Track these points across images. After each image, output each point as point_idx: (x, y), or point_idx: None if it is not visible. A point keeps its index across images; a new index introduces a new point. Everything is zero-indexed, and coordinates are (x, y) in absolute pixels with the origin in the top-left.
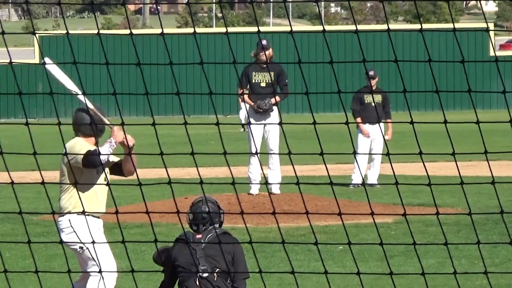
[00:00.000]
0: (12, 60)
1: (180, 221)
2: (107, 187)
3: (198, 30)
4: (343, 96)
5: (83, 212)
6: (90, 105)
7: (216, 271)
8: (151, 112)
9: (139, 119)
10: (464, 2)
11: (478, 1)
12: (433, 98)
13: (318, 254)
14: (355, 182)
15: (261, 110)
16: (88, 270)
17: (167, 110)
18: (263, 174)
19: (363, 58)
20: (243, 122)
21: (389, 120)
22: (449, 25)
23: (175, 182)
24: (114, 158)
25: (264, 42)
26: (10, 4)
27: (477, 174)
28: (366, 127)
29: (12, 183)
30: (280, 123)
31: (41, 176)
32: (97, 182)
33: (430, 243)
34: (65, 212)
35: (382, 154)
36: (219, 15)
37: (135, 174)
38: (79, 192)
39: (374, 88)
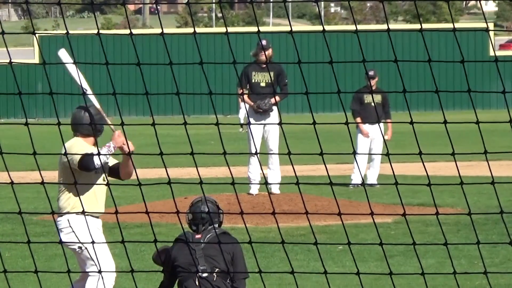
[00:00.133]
0: (12, 60)
1: (180, 221)
2: (106, 187)
3: (198, 30)
4: (343, 96)
5: (82, 212)
6: (97, 104)
7: (216, 271)
8: (151, 112)
9: (139, 119)
10: (464, 2)
11: (478, 1)
12: (433, 98)
13: (318, 254)
14: (354, 182)
15: (261, 110)
16: (87, 270)
17: (167, 110)
18: (263, 174)
19: (363, 58)
20: (242, 122)
21: (389, 120)
22: (449, 25)
23: (175, 182)
24: (112, 161)
25: (264, 42)
26: (10, 4)
27: (477, 174)
28: (365, 127)
29: (12, 183)
30: (280, 123)
31: (41, 176)
32: (96, 182)
33: (430, 243)
34: (64, 212)
35: (382, 154)
36: (219, 15)
37: (134, 174)
38: (78, 192)
39: (374, 88)
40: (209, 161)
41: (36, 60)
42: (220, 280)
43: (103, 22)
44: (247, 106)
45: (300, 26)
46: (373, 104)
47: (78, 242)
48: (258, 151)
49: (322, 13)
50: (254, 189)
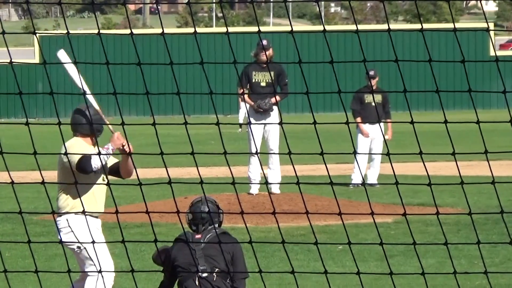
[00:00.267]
0: (12, 60)
1: (180, 221)
2: (105, 187)
3: (199, 30)
4: (343, 96)
5: (82, 212)
6: (96, 105)
7: (216, 271)
8: (151, 111)
9: (139, 118)
10: (464, 1)
11: (478, 1)
12: (433, 98)
13: (318, 254)
14: (355, 182)
15: (261, 110)
16: (86, 270)
17: (167, 109)
18: (263, 174)
19: (364, 58)
20: (241, 122)
21: (389, 120)
22: (449, 25)
23: (175, 182)
24: (112, 161)
25: (264, 42)
26: (10, 4)
27: (477, 174)
28: (366, 127)
29: (12, 183)
30: (280, 123)
31: (41, 176)
32: (96, 182)
33: (430, 243)
34: (63, 212)
35: (382, 154)
36: (219, 15)
37: (135, 174)
38: (77, 192)
39: (374, 88)
40: (210, 161)
41: (36, 60)
42: (220, 280)
43: (104, 22)
44: (248, 105)
45: (300, 26)
46: (373, 104)
47: (77, 242)
48: (258, 151)
49: (323, 13)
50: (254, 189)
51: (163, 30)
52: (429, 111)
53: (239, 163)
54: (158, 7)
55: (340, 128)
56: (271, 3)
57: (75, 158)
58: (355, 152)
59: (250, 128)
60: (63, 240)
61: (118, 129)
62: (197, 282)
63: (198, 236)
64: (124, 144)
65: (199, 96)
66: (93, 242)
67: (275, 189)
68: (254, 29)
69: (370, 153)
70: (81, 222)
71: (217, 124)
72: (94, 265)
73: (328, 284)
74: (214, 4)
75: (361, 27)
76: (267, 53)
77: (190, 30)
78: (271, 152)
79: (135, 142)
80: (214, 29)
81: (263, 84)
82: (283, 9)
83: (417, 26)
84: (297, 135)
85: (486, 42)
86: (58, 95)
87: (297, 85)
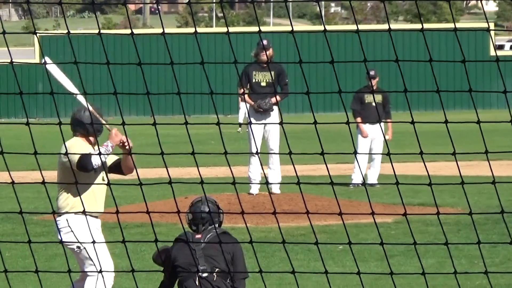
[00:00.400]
0: (13, 60)
1: (181, 220)
2: (105, 187)
3: (199, 29)
4: (344, 96)
5: (82, 212)
6: (89, 106)
7: (216, 271)
8: (152, 111)
9: (139, 118)
10: (465, 1)
11: (479, 1)
12: (433, 97)
13: (318, 254)
14: (355, 181)
15: (262, 110)
16: (85, 270)
17: (167, 109)
18: (263, 173)
19: (364, 58)
20: (241, 122)
21: (389, 120)
22: (450, 25)
23: (176, 182)
24: (112, 158)
25: (264, 42)
26: (10, 4)
27: (477, 173)
28: (366, 127)
29: (13, 182)
30: (281, 123)
31: (42, 175)
32: (95, 182)
33: (430, 243)
34: (62, 212)
35: (382, 154)
36: (220, 14)
37: (135, 174)
38: (77, 192)
39: (374, 88)
40: (210, 161)
41: (36, 60)
42: (220, 280)
43: (104, 22)
44: (248, 105)
45: (300, 26)
46: (373, 104)
47: (76, 242)
48: (258, 151)
49: (323, 13)
50: (255, 189)
51: (163, 30)
52: (429, 111)
53: (240, 163)
54: (159, 7)
55: (340, 128)
56: (271, 3)
57: (75, 157)
58: (355, 152)
59: (251, 128)
60: (63, 240)
61: (119, 129)
62: (197, 282)
63: (198, 236)
64: (122, 140)
65: (199, 96)
66: (93, 242)
67: (276, 189)
68: (255, 29)
69: (370, 153)
70: (81, 222)
71: (218, 124)
72: (94, 265)
73: (329, 284)
74: (214, 4)
75: (361, 27)
76: (267, 53)
77: (191, 30)
78: (272, 152)
79: (135, 142)
80: (215, 29)
81: (263, 84)
82: (283, 9)
83: (418, 26)
84: (297, 135)
85: (486, 42)
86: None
87: (297, 85)
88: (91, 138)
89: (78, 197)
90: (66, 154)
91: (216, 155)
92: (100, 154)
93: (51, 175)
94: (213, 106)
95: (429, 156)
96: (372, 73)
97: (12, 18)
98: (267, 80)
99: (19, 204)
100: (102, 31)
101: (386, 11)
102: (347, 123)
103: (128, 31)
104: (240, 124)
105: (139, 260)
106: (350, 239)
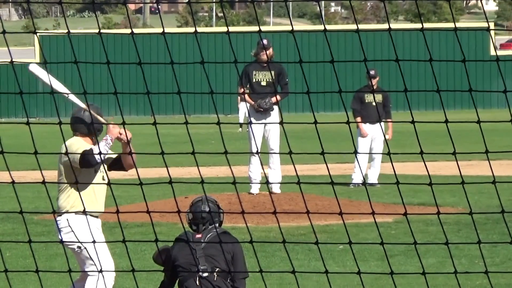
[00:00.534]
0: (13, 60)
1: (181, 220)
2: (105, 187)
3: (199, 29)
4: (344, 95)
5: (82, 212)
6: (82, 105)
7: (216, 270)
8: (152, 111)
9: (139, 118)
10: (465, 1)
11: (479, 1)
12: (433, 97)
13: (319, 254)
14: (355, 181)
15: (262, 109)
16: (86, 269)
17: (167, 109)
18: (264, 173)
19: (364, 58)
20: (241, 121)
21: (389, 120)
22: (450, 25)
23: (176, 182)
24: (112, 155)
25: (264, 41)
26: (10, 4)
27: (477, 173)
28: (366, 126)
29: (13, 182)
30: (281, 123)
31: (42, 175)
32: (95, 182)
33: (431, 242)
34: (63, 211)
35: (382, 153)
36: (220, 14)
37: (136, 173)
38: (77, 192)
39: (375, 87)
40: (210, 161)
41: (37, 59)
42: (221, 279)
43: (104, 22)
44: (248, 105)
45: (300, 25)
46: (374, 103)
47: (77, 242)
48: (259, 151)
49: (323, 13)
50: (255, 189)
51: (163, 30)
52: (429, 111)
53: (240, 162)
54: (159, 6)
55: (340, 128)
56: (271, 3)
57: (77, 155)
58: (355, 152)
59: (251, 127)
60: (63, 240)
61: (111, 121)
62: (197, 282)
63: (198, 235)
64: (120, 132)
65: (200, 95)
66: (94, 242)
67: (276, 188)
68: (255, 28)
69: (370, 153)
70: (82, 222)
71: (218, 123)
72: (95, 265)
73: (329, 284)
74: (214, 4)
75: (361, 26)
76: (267, 52)
77: (191, 29)
78: (272, 151)
79: (135, 142)
80: (215, 29)
81: (263, 83)
82: (284, 8)
83: (418, 25)
84: (298, 134)
85: (487, 41)
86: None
87: (298, 85)
88: (91, 138)
89: (79, 196)
90: (67, 153)
91: (217, 155)
92: (100, 154)
93: (51, 175)
94: (213, 106)
95: (429, 156)
96: (372, 72)
97: (12, 18)
98: (267, 80)
99: (20, 203)
100: (102, 30)
101: (386, 11)
102: (347, 122)
103: (128, 30)
104: (240, 124)
105: (140, 259)
106: (350, 239)
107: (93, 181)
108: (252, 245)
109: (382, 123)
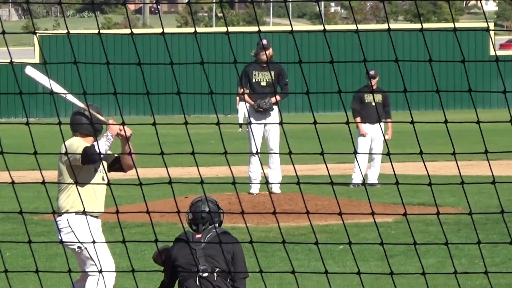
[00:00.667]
0: (13, 60)
1: (181, 220)
2: (105, 187)
3: (199, 29)
4: (344, 95)
5: (82, 212)
6: (81, 105)
7: (216, 270)
8: (152, 111)
9: (139, 118)
10: (464, 1)
11: (478, 1)
12: (433, 97)
13: (319, 254)
14: (355, 181)
15: (262, 110)
16: (87, 270)
17: (167, 109)
18: (264, 173)
19: (364, 58)
20: (240, 122)
21: (389, 120)
22: (449, 25)
23: (176, 182)
24: (111, 156)
25: (264, 41)
26: (10, 4)
27: (477, 173)
28: (365, 126)
29: (13, 182)
30: (281, 123)
31: (42, 175)
32: (95, 182)
33: (431, 242)
34: (63, 211)
35: (382, 153)
36: (219, 14)
37: (135, 173)
38: (77, 192)
39: (374, 87)
40: (210, 161)
41: (36, 59)
42: (221, 280)
43: (104, 22)
44: (248, 105)
45: (300, 25)
46: (373, 103)
47: (77, 242)
48: (258, 151)
49: (323, 13)
50: (255, 189)
51: (163, 30)
52: (429, 111)
53: (240, 162)
54: (158, 6)
55: (340, 128)
56: (271, 3)
57: (78, 152)
58: (355, 152)
59: (251, 127)
60: (63, 240)
61: (111, 120)
62: (197, 282)
63: (198, 236)
64: (120, 128)
65: (199, 96)
66: (94, 242)
67: (276, 188)
68: (254, 28)
69: (370, 153)
70: (82, 222)
71: (218, 124)
72: (95, 265)
73: (329, 284)
74: (214, 4)
75: (361, 27)
76: (267, 52)
77: (190, 29)
78: (272, 151)
79: (135, 142)
80: (214, 29)
81: (263, 83)
82: (283, 8)
83: (417, 26)
84: (297, 134)
85: (486, 41)
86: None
87: (297, 85)
88: (91, 138)
89: (79, 197)
90: (67, 154)
91: (216, 155)
92: (100, 150)
93: (51, 175)
94: (213, 106)
95: (429, 156)
96: (372, 72)
97: (12, 18)
98: (267, 80)
99: (19, 204)
100: (101, 31)
101: (386, 11)
102: (347, 123)
103: (128, 31)
104: (240, 125)
105: (140, 260)
106: (350, 239)
107: (93, 181)
108: (252, 245)
109: (382, 123)
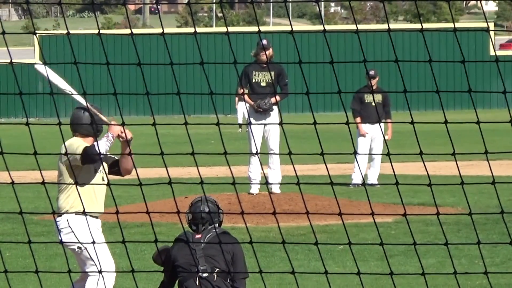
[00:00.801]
0: (13, 60)
1: (181, 220)
2: (105, 187)
3: (198, 29)
4: (343, 96)
5: (82, 212)
6: (88, 105)
7: (216, 271)
8: (152, 111)
9: (139, 118)
10: (464, 1)
11: (478, 1)
12: (433, 97)
13: (318, 254)
14: (355, 181)
15: (261, 110)
16: (87, 270)
17: (167, 109)
18: (263, 173)
19: (364, 58)
20: (240, 122)
21: (389, 120)
22: (449, 25)
23: (176, 182)
24: (110, 159)
25: (264, 41)
26: (10, 4)
27: (477, 173)
28: (365, 127)
29: (13, 183)
30: (281, 123)
31: (41, 176)
32: (95, 182)
33: (430, 243)
34: (62, 212)
35: (382, 154)
36: (219, 14)
37: (135, 173)
38: (77, 192)
39: (374, 87)
40: (210, 161)
41: (36, 59)
42: (220, 280)
43: (104, 22)
44: (248, 105)
45: (300, 25)
46: (373, 103)
47: (77, 242)
48: (258, 151)
49: (323, 13)
50: (255, 189)
51: (163, 30)
52: (429, 111)
53: (240, 163)
54: (158, 7)
55: (340, 128)
56: (271, 3)
57: (79, 152)
58: (355, 152)
59: (250, 128)
60: (63, 240)
61: (112, 121)
62: (197, 282)
63: (198, 236)
64: (121, 130)
65: (199, 96)
66: (94, 242)
67: (276, 189)
68: (254, 29)
69: (370, 153)
70: (81, 223)
71: (217, 124)
72: (95, 265)
73: (329, 284)
74: (214, 4)
75: (361, 27)
76: (267, 52)
77: (190, 30)
78: (271, 152)
79: (135, 142)
80: (214, 29)
81: (263, 84)
82: (283, 9)
83: (417, 26)
84: (297, 135)
85: (486, 42)
86: (58, 95)
87: (297, 85)
88: (91, 139)
89: (78, 197)
90: (66, 154)
91: (216, 155)
92: (100, 151)
93: (51, 175)
94: (213, 106)
95: (429, 156)
96: (372, 73)
97: (11, 18)
98: (267, 80)
99: (19, 204)
100: (101, 31)
101: (386, 11)
102: (347, 123)
103: (127, 31)
104: (240, 125)
105: (139, 260)
106: (350, 239)
107: (93, 182)
108: (251, 246)
109: (382, 124)
